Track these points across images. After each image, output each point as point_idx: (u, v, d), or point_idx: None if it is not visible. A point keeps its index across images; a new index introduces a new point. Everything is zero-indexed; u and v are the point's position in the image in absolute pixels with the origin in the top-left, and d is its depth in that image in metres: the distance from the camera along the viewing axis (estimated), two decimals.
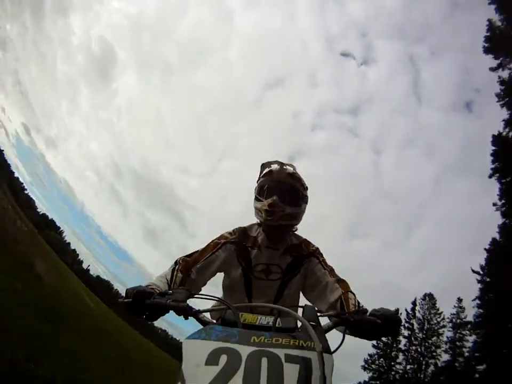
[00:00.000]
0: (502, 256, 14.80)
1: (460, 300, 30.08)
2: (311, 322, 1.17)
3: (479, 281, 17.18)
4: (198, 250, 2.04)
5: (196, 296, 1.42)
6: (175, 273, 1.85)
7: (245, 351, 0.99)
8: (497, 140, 16.65)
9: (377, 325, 1.33)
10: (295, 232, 2.28)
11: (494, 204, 17.06)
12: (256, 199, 2.15)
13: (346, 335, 1.43)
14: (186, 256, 2.00)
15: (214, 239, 2.14)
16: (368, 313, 1.39)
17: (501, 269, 13.98)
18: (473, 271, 17.27)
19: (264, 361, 0.96)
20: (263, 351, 0.99)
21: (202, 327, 1.17)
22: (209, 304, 1.77)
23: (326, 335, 1.23)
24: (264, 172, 2.16)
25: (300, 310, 1.36)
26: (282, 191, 2.06)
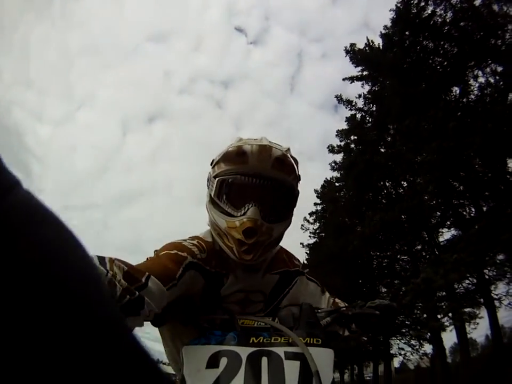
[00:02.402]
0: None
1: None
2: (309, 319, 1.27)
3: None
4: (152, 259, 1.30)
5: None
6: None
7: (244, 352, 1.08)
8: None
9: (376, 316, 1.41)
10: None
11: None
12: (215, 205, 1.42)
13: (345, 329, 1.55)
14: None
15: (175, 250, 1.33)
16: (365, 306, 1.46)
17: None
18: None
19: (264, 360, 1.06)
20: (263, 350, 1.10)
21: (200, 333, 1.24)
22: None
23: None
24: (229, 156, 1.39)
25: (297, 308, 1.45)
26: (268, 196, 1.38)
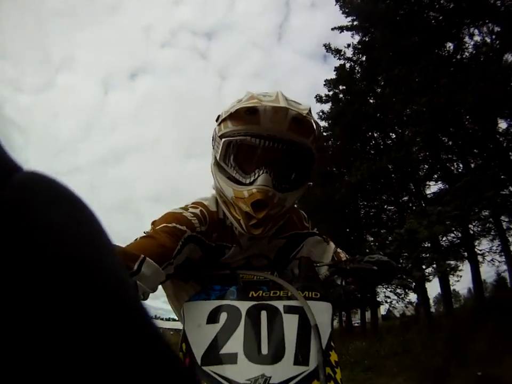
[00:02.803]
0: None
1: None
2: (308, 273, 1.30)
3: None
4: (148, 235, 1.18)
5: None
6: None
7: (244, 306, 1.11)
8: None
9: (373, 272, 1.41)
10: None
11: None
12: (221, 169, 1.32)
13: (343, 283, 1.56)
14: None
15: (174, 223, 1.23)
16: (363, 261, 1.46)
17: None
18: None
19: (264, 314, 1.09)
20: (262, 304, 1.12)
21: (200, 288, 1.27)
22: None
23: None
24: (238, 114, 1.22)
25: (296, 262, 1.44)
26: (282, 161, 1.27)
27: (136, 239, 1.15)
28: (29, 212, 0.25)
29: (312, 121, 1.25)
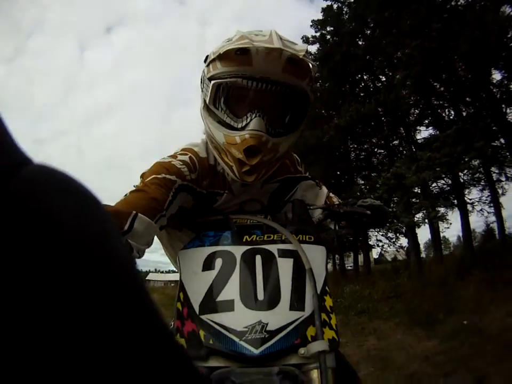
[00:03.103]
0: None
1: None
2: (301, 216, 1.33)
3: None
4: (138, 189, 1.16)
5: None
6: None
7: (238, 251, 1.12)
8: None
9: (366, 215, 1.43)
10: None
11: None
12: (211, 113, 1.26)
13: (336, 227, 1.59)
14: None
15: (163, 174, 1.21)
16: (356, 205, 1.49)
17: None
18: None
19: (258, 258, 1.10)
20: (256, 248, 1.13)
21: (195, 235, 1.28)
22: None
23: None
24: (228, 55, 1.16)
25: (290, 205, 1.46)
26: (276, 104, 1.23)
27: (126, 194, 1.13)
28: (39, 204, 0.25)
29: (309, 62, 1.18)
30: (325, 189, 1.74)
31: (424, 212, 12.46)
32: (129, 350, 0.25)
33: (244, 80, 1.15)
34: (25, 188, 0.24)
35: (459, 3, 13.18)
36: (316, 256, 1.16)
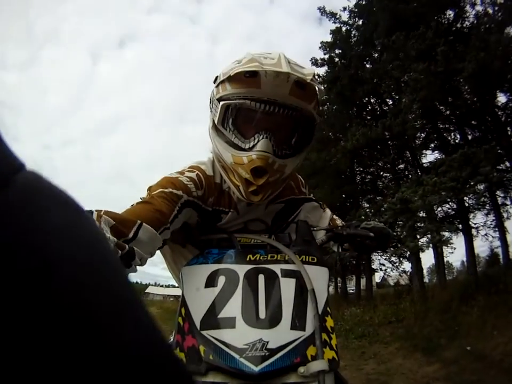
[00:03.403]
0: None
1: None
2: (305, 237, 1.33)
3: None
4: (144, 201, 1.18)
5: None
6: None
7: (242, 270, 1.13)
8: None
9: (370, 238, 1.45)
10: None
11: None
12: (219, 133, 1.29)
13: (339, 250, 1.63)
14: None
15: (170, 188, 1.23)
16: (360, 227, 1.51)
17: None
18: None
19: (261, 277, 1.12)
20: (260, 268, 1.14)
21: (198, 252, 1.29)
22: None
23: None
24: (237, 77, 1.19)
25: (293, 226, 1.46)
26: (283, 126, 1.26)
27: (132, 205, 1.15)
28: (34, 212, 0.25)
29: (316, 86, 1.21)
30: (328, 211, 1.76)
31: (429, 236, 12.40)
32: (125, 361, 0.25)
33: (252, 102, 1.18)
34: (21, 196, 0.25)
35: (464, 25, 13.31)
36: (318, 277, 1.17)
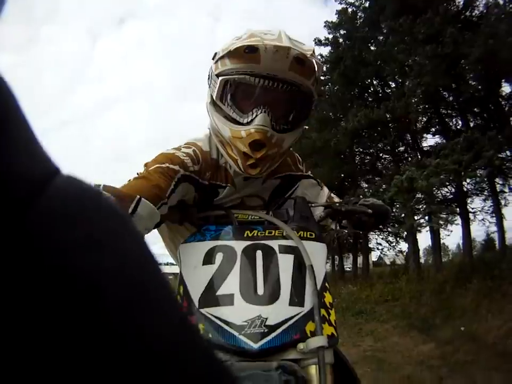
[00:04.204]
0: None
1: None
2: (303, 213, 1.32)
3: None
4: (142, 176, 1.17)
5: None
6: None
7: (239, 246, 1.12)
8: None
9: (367, 214, 1.44)
10: None
11: None
12: (217, 108, 1.29)
13: (337, 226, 1.61)
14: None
15: (166, 163, 1.22)
16: (358, 204, 1.49)
17: None
18: None
19: (259, 253, 1.10)
20: (257, 244, 1.13)
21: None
22: None
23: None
24: (237, 52, 1.18)
25: (291, 202, 1.47)
26: (282, 101, 1.26)
27: (129, 180, 1.14)
28: (74, 223, 0.23)
29: (315, 62, 1.20)
30: (326, 189, 1.75)
31: (427, 217, 12.44)
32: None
33: (251, 77, 1.18)
34: (60, 205, 0.23)
35: (473, 14, 13.12)
36: (317, 253, 1.16)
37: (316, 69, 1.22)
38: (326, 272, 1.15)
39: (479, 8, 13.13)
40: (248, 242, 1.14)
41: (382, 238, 18.76)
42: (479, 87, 12.55)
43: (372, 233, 17.26)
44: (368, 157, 18.49)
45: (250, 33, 1.20)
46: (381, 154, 17.77)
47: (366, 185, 17.56)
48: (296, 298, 1.03)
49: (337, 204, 1.53)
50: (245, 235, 1.18)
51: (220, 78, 1.23)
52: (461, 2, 13.31)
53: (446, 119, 14.44)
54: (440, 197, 13.72)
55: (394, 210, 13.07)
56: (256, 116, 1.20)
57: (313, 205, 1.53)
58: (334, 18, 18.17)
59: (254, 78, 1.18)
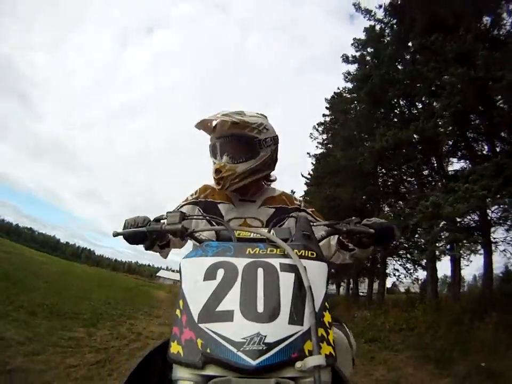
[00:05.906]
0: None
1: None
2: (305, 232, 1.36)
3: None
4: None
5: (189, 218, 1.65)
6: None
7: (241, 263, 1.16)
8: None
9: (369, 234, 1.51)
10: (272, 185, 2.29)
11: None
12: (212, 161, 2.10)
13: (337, 245, 1.73)
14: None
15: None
16: (361, 224, 1.56)
17: None
18: None
19: (260, 271, 1.13)
20: (259, 261, 1.17)
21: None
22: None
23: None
24: (208, 128, 2.10)
25: (293, 220, 1.55)
26: (232, 147, 2.03)
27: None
28: None
29: (248, 117, 2.02)
30: (322, 221, 1.82)
31: (449, 245, 12.26)
32: None
33: (217, 140, 2.09)
34: None
35: (500, 32, 13.02)
36: (317, 272, 1.19)
37: (250, 124, 2.00)
38: (326, 291, 1.18)
39: (505, 27, 13.09)
40: (250, 260, 1.17)
41: (400, 264, 18.55)
42: (509, 111, 12.38)
43: (389, 258, 17.07)
44: (391, 179, 18.37)
45: (210, 119, 2.06)
46: (404, 177, 17.64)
47: (388, 209, 17.43)
48: (296, 317, 1.05)
49: (339, 223, 1.59)
50: (247, 252, 1.22)
51: (209, 145, 2.15)
52: (489, 21, 13.28)
53: (473, 144, 14.29)
54: (463, 225, 13.53)
55: (416, 236, 12.89)
56: (222, 158, 2.04)
57: (315, 224, 1.57)
58: (358, 35, 18.27)
59: (220, 140, 2.08)
